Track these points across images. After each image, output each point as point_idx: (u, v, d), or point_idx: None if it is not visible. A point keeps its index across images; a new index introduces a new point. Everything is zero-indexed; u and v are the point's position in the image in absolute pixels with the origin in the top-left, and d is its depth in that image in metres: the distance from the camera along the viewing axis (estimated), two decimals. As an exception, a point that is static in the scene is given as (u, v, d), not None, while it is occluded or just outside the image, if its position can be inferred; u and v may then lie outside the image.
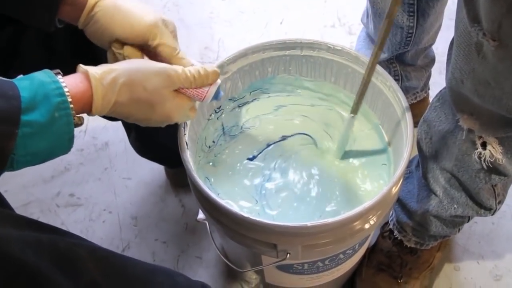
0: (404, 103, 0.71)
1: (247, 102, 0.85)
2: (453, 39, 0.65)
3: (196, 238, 1.07)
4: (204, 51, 1.44)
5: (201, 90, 0.62)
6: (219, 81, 0.64)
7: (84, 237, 1.10)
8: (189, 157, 0.67)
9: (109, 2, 0.60)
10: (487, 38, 0.53)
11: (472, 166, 0.72)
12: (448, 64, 0.67)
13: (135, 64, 0.58)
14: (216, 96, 0.64)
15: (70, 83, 0.53)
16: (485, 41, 0.54)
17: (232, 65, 0.79)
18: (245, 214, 0.61)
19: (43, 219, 1.10)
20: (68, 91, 0.52)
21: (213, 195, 0.63)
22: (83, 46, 0.68)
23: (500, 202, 0.79)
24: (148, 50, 0.63)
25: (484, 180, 0.73)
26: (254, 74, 0.83)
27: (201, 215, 0.78)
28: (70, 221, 1.10)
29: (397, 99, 0.73)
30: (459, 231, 0.90)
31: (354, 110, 0.74)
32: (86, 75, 0.54)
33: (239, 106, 0.85)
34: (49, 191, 1.15)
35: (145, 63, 0.59)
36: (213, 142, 0.81)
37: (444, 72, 0.69)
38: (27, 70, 0.76)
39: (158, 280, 0.65)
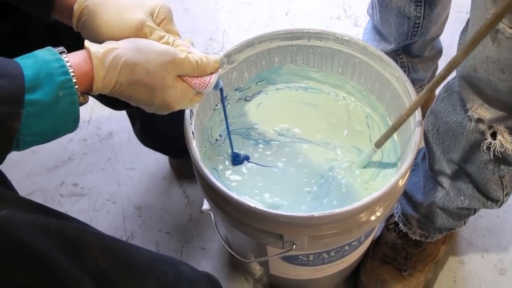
0: (413, 94, 0.71)
1: (253, 95, 0.84)
2: (465, 27, 0.64)
3: (200, 229, 1.06)
4: (209, 41, 1.43)
5: (202, 79, 0.61)
6: (219, 70, 0.63)
7: (88, 227, 1.10)
8: (195, 147, 0.67)
9: (94, 7, 0.58)
10: (504, 25, 0.52)
11: (480, 157, 0.71)
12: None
13: (139, 44, 0.56)
14: (216, 86, 0.63)
15: (74, 62, 0.52)
16: (501, 28, 0.53)
17: (239, 54, 0.78)
18: (251, 203, 0.60)
19: (46, 208, 1.10)
20: (72, 70, 0.51)
21: (219, 184, 0.62)
22: None
23: (508, 194, 0.79)
24: None
25: (492, 171, 0.72)
26: (261, 64, 0.83)
27: (205, 206, 0.78)
28: (74, 211, 1.10)
29: (405, 90, 0.72)
30: (464, 224, 0.89)
31: (379, 144, 0.72)
32: (88, 52, 0.53)
33: (245, 99, 0.84)
34: (53, 180, 1.15)
35: (149, 44, 0.57)
36: (220, 136, 0.80)
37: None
38: None
39: (163, 268, 0.65)
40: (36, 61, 0.50)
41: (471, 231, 1.05)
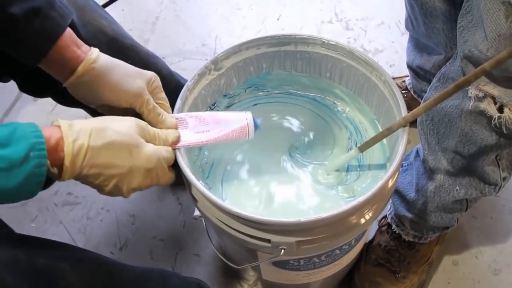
0: (399, 97, 0.71)
1: (242, 101, 0.85)
2: (463, 10, 0.64)
3: (193, 236, 1.06)
4: (201, 48, 1.43)
5: (243, 129, 0.69)
6: (250, 114, 0.71)
7: (82, 236, 1.10)
8: (183, 153, 0.67)
9: (100, 71, 0.63)
10: None
11: (481, 135, 0.70)
12: (463, 34, 0.65)
13: (103, 118, 0.60)
14: (256, 127, 0.71)
15: (46, 131, 0.53)
16: None
17: (226, 61, 0.79)
18: (238, 210, 0.60)
19: (41, 218, 1.10)
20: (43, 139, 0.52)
21: (206, 191, 0.62)
22: None
23: (505, 179, 0.78)
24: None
25: (493, 149, 0.71)
26: (249, 70, 0.83)
27: (197, 212, 0.78)
28: (68, 220, 1.10)
29: (392, 94, 0.73)
30: (457, 222, 0.89)
31: (363, 148, 0.72)
32: (58, 126, 0.55)
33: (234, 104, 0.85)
34: (46, 190, 1.15)
35: (110, 117, 0.61)
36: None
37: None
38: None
39: (149, 284, 0.65)
40: (12, 125, 0.51)
41: (465, 232, 1.05)
